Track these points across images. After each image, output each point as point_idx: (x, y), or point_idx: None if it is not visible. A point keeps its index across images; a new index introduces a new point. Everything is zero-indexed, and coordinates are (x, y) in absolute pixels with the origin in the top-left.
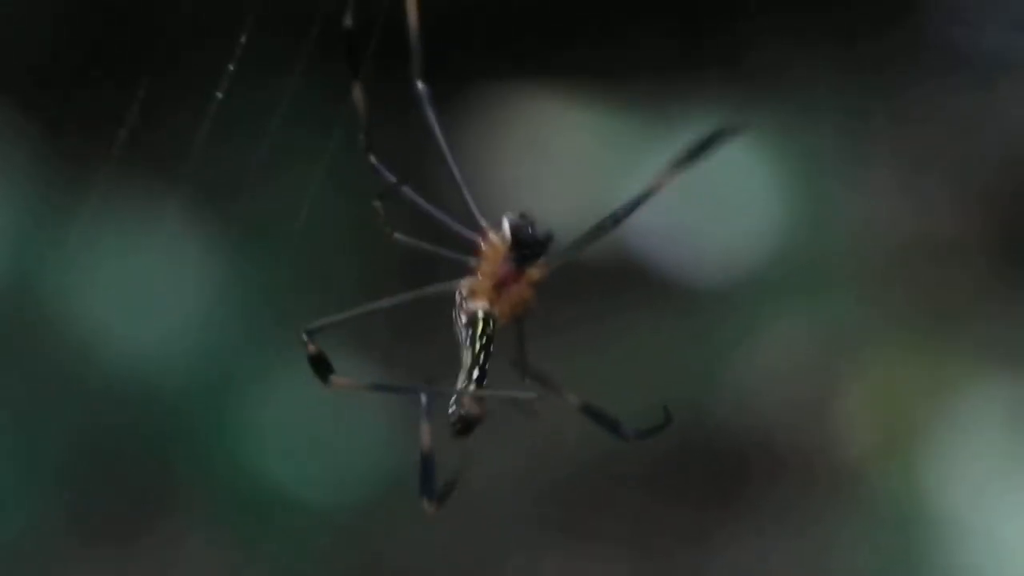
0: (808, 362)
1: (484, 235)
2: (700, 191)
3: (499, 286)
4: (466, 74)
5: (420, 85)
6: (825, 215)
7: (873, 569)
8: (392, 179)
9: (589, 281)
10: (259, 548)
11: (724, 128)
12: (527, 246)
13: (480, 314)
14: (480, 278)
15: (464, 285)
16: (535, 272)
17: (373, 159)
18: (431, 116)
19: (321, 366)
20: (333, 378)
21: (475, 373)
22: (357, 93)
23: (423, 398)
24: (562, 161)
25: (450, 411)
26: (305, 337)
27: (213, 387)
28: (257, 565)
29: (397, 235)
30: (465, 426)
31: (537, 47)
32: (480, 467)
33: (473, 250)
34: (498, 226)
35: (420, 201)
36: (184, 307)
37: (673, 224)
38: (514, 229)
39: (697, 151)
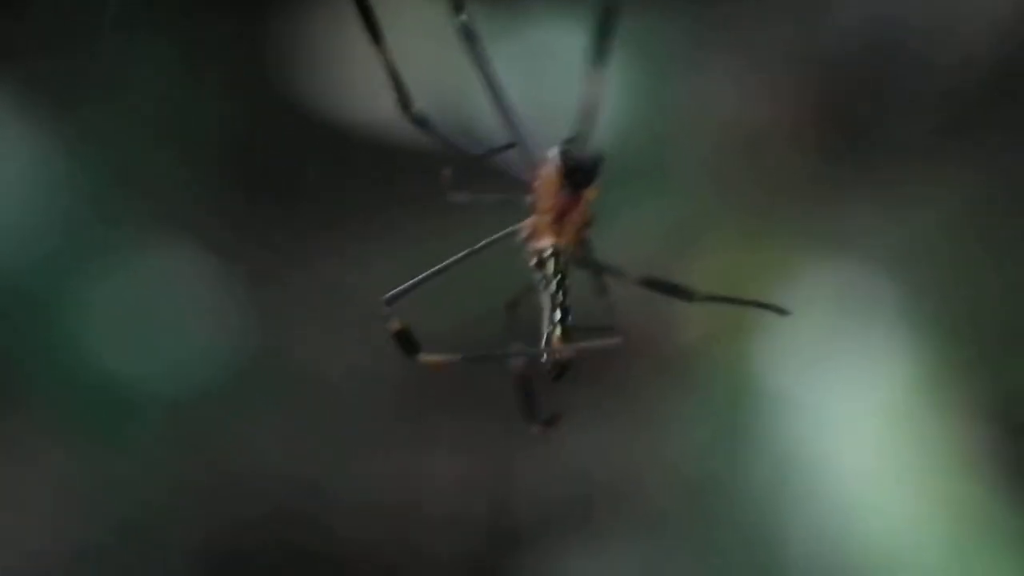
0: (649, 248)
1: (535, 170)
2: (537, 82)
3: (560, 217)
4: None
5: (463, 17)
6: (664, 105)
7: (707, 441)
8: (444, 134)
9: (418, 189)
10: (103, 445)
11: (606, 9)
12: (580, 172)
13: (548, 251)
14: (540, 215)
15: (526, 227)
16: (591, 192)
17: (417, 112)
18: (477, 53)
19: (406, 343)
20: (423, 356)
21: (557, 314)
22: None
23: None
24: (409, 58)
25: (543, 360)
26: (386, 310)
27: (52, 286)
28: (103, 461)
29: (456, 193)
30: (561, 371)
31: None
32: (333, 361)
33: (527, 188)
34: (546, 157)
35: (469, 146)
36: (17, 209)
37: (516, 113)
38: (565, 158)
39: (601, 44)
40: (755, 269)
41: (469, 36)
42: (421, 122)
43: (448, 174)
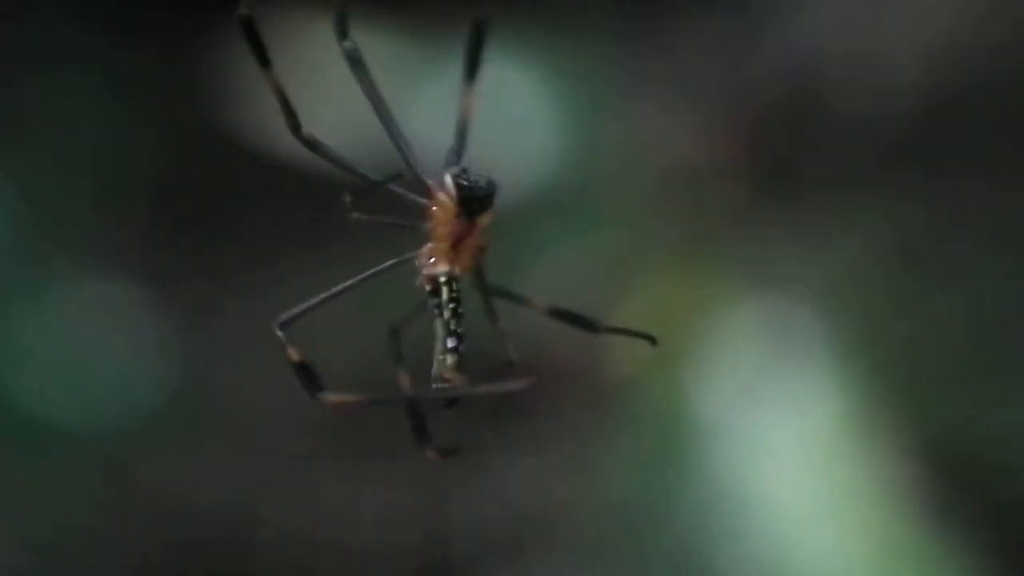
0: (580, 284)
1: (430, 196)
2: (484, 111)
3: (456, 244)
4: None
5: (348, 43)
6: (594, 140)
7: (639, 472)
8: (336, 156)
9: (372, 203)
10: (18, 478)
11: (476, 23)
12: (475, 200)
13: (443, 278)
14: (437, 241)
15: (422, 253)
16: (485, 218)
17: (306, 135)
18: (364, 76)
19: (308, 378)
20: (325, 396)
21: (450, 341)
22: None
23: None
24: (339, 87)
25: (433, 387)
26: (280, 334)
27: None
28: (17, 495)
29: (357, 215)
30: (452, 401)
31: None
32: (265, 392)
33: (422, 214)
34: (441, 185)
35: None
36: None
37: (444, 150)
38: (459, 185)
39: (473, 59)
40: (688, 303)
41: (355, 62)
42: (310, 144)
43: (349, 198)
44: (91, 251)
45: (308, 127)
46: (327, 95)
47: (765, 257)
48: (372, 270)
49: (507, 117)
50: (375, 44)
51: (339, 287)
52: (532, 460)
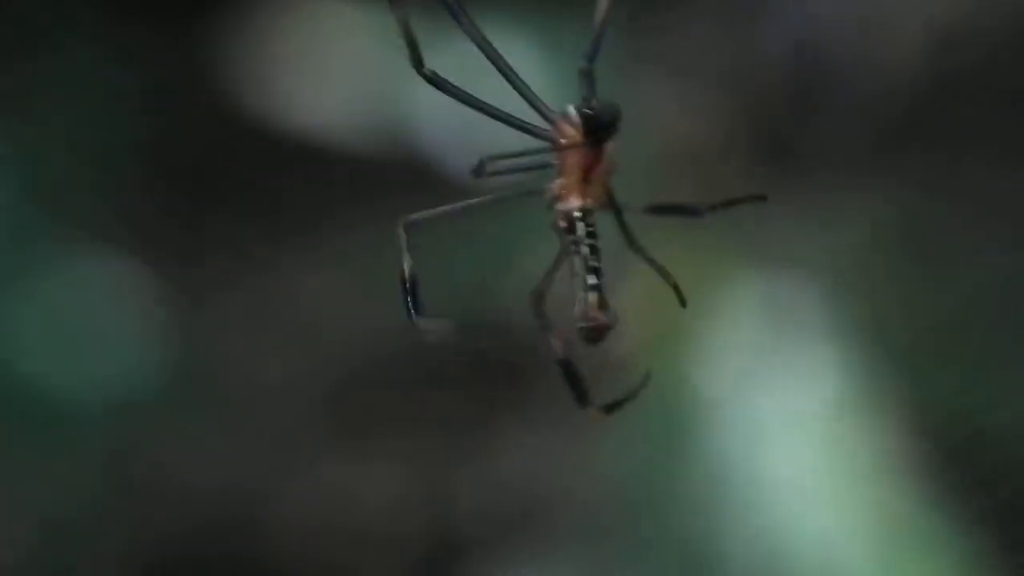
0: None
1: (556, 129)
2: (485, 87)
3: (586, 175)
4: None
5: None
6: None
7: (643, 455)
8: (462, 93)
9: (372, 180)
10: (22, 458)
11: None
12: (601, 126)
13: (577, 213)
14: (567, 176)
15: (552, 188)
16: (611, 144)
17: (429, 72)
18: (468, 24)
19: (412, 297)
20: (421, 320)
21: (591, 278)
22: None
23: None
24: (344, 63)
25: (577, 325)
26: (403, 234)
27: None
28: (22, 475)
29: (483, 168)
30: (598, 335)
31: None
32: (268, 374)
33: (551, 149)
34: (565, 116)
35: (487, 107)
36: None
37: (459, 121)
38: (583, 115)
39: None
40: (688, 282)
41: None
42: (434, 82)
43: (483, 162)
44: (92, 228)
45: (320, 95)
46: (334, 74)
47: (767, 236)
48: (495, 195)
49: (504, 97)
50: (382, 15)
51: (464, 203)
52: (533, 443)
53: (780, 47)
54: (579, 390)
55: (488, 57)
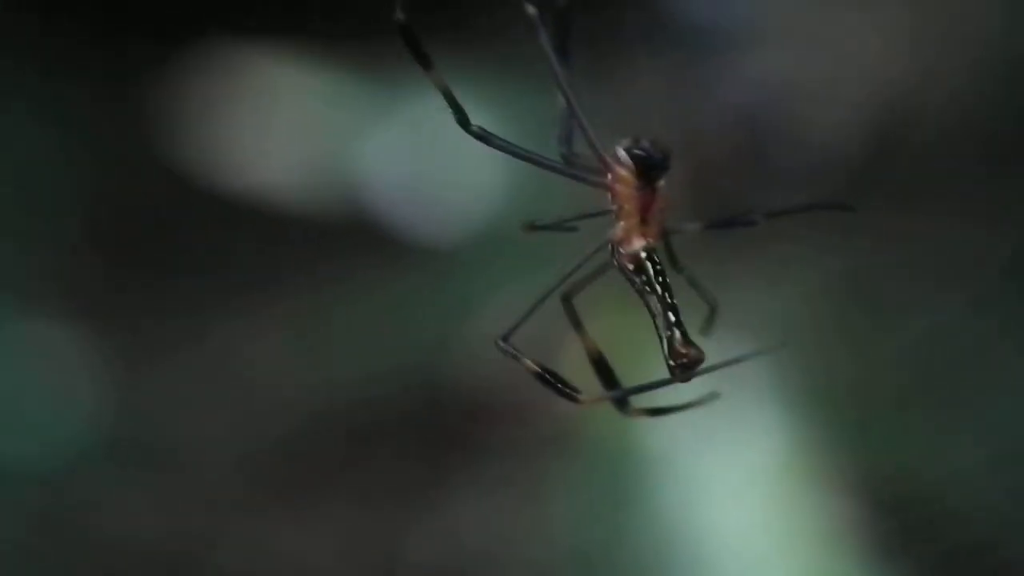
0: (534, 318)
1: (610, 174)
2: (431, 148)
3: (644, 215)
4: (187, 33)
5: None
6: (545, 176)
7: (588, 508)
8: (511, 146)
9: (319, 242)
10: None
11: (556, 12)
12: (653, 166)
13: (643, 254)
14: (626, 219)
15: (615, 235)
16: (663, 182)
17: (476, 128)
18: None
19: (558, 384)
20: (584, 398)
21: (671, 315)
22: (436, 76)
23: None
24: (289, 124)
25: (670, 364)
26: (504, 347)
27: None
28: None
29: (538, 223)
30: (689, 369)
31: (263, 7)
32: (187, 428)
33: (607, 194)
34: (617, 160)
35: (540, 158)
36: None
37: (404, 182)
38: (635, 156)
39: (561, 44)
40: (637, 340)
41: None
42: (482, 138)
43: (526, 225)
44: (28, 289)
45: (265, 156)
46: (279, 135)
47: (716, 294)
48: (575, 265)
49: (458, 151)
50: (331, 81)
51: (549, 290)
52: (484, 496)
53: (726, 110)
54: (622, 401)
55: (564, 96)
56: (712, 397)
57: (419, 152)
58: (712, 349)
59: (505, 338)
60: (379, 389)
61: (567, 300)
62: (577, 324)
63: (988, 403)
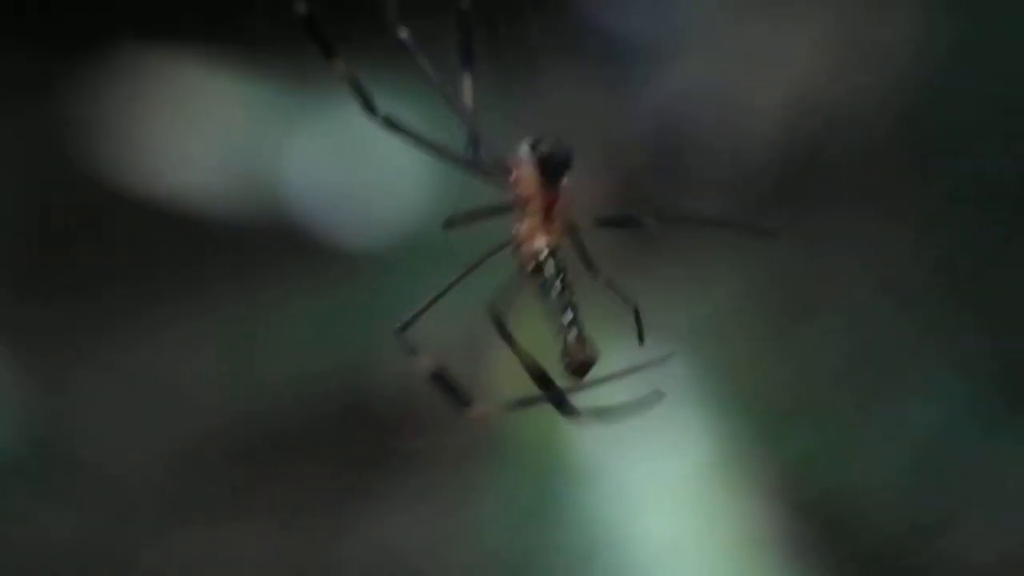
0: (461, 324)
1: (513, 170)
2: (357, 154)
3: (548, 213)
4: (106, 36)
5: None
6: (469, 187)
7: (516, 515)
8: (418, 137)
9: (245, 249)
10: None
11: (460, 13)
12: (556, 162)
13: (544, 252)
14: (529, 217)
15: (518, 232)
16: (566, 180)
17: (383, 116)
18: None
19: (449, 390)
20: (471, 409)
21: (567, 315)
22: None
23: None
24: (211, 130)
25: (562, 362)
26: (402, 340)
27: None
28: None
29: (454, 220)
30: (581, 370)
31: (184, 10)
32: (108, 440)
33: (509, 192)
34: (519, 159)
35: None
36: None
37: (330, 187)
38: (537, 154)
39: (465, 46)
40: (557, 348)
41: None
42: (390, 124)
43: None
44: None
45: (188, 163)
46: (201, 143)
47: (642, 299)
48: (477, 260)
49: (383, 163)
50: (253, 86)
51: (448, 284)
52: (410, 504)
53: (650, 118)
54: (560, 403)
55: (447, 98)
56: (657, 398)
57: (345, 157)
58: (636, 354)
59: (404, 328)
60: (306, 397)
61: (493, 309)
62: (504, 333)
63: (910, 405)
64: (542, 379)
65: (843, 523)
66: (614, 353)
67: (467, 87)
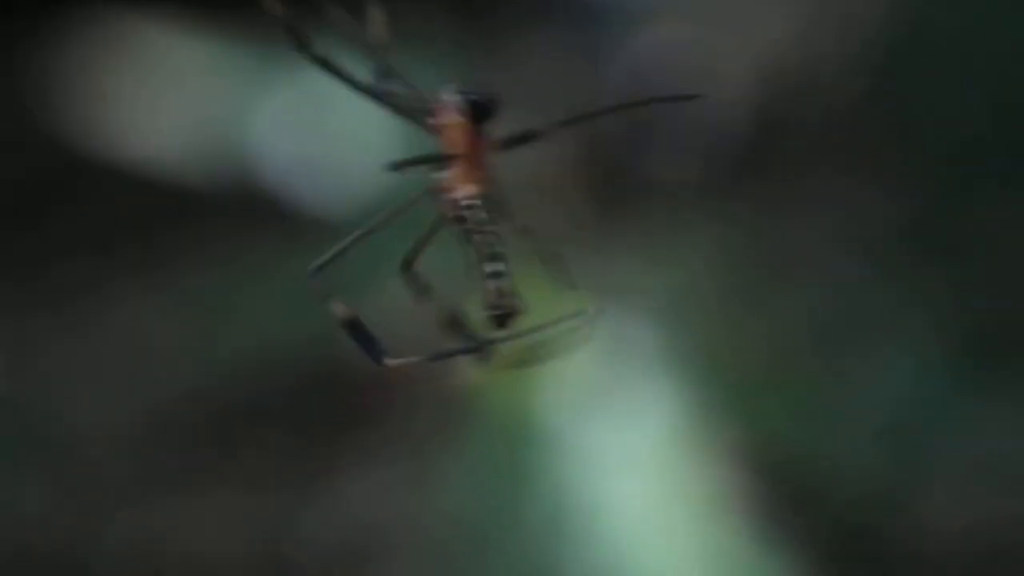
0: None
1: (440, 117)
2: (325, 121)
3: (475, 160)
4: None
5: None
6: (436, 152)
7: (486, 487)
8: (350, 77)
9: (213, 217)
10: None
11: None
12: (482, 107)
13: (466, 200)
14: (456, 162)
15: (445, 179)
16: (490, 127)
17: (317, 53)
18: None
19: (364, 339)
20: (387, 360)
21: (490, 265)
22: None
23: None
24: (174, 95)
25: (484, 312)
26: (315, 283)
27: None
28: None
29: (398, 164)
30: (503, 321)
31: None
32: (73, 412)
33: (437, 138)
34: (445, 103)
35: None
36: None
37: (297, 155)
38: (464, 99)
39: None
40: (531, 314)
41: (325, 66)
42: (324, 63)
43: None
44: None
45: (149, 124)
46: (166, 110)
47: (604, 271)
48: (395, 207)
49: (351, 129)
50: (219, 50)
51: (364, 229)
52: (378, 471)
53: (619, 83)
54: (480, 353)
55: (365, 47)
56: (579, 341)
57: (313, 124)
58: (605, 322)
59: (317, 270)
60: (274, 366)
61: (407, 267)
62: (418, 285)
63: (882, 369)
64: (457, 327)
65: (813, 489)
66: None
67: (377, 18)
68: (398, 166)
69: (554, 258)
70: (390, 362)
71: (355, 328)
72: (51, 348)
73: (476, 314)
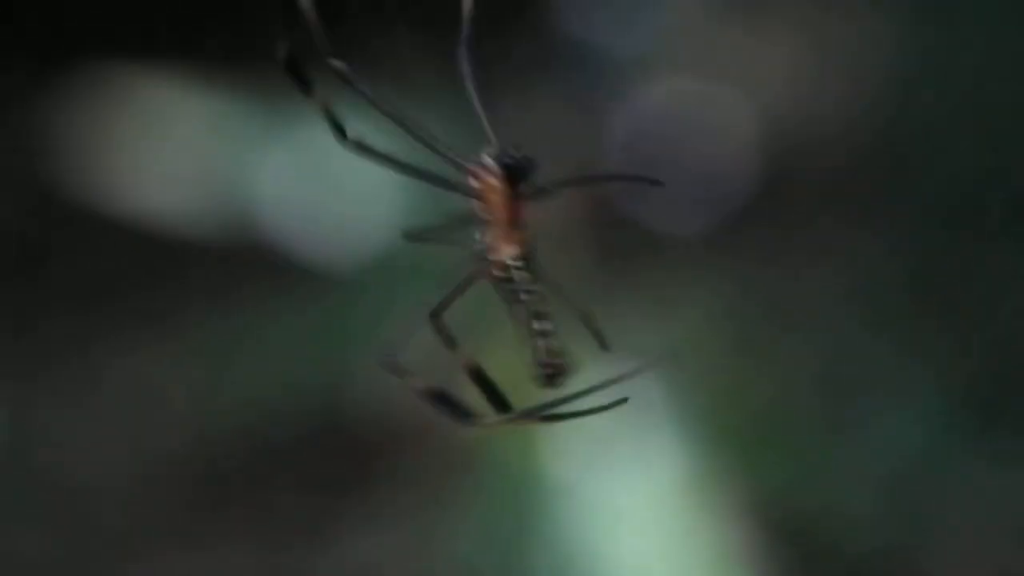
0: (435, 345)
1: (478, 182)
2: (327, 174)
3: (513, 222)
4: (76, 53)
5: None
6: (442, 202)
7: (495, 540)
8: (386, 158)
9: (218, 269)
10: None
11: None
12: (521, 171)
13: (512, 260)
14: (495, 226)
15: (486, 243)
16: (528, 189)
17: (353, 140)
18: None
19: (450, 406)
20: (477, 422)
21: (539, 324)
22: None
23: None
24: (179, 148)
25: (540, 372)
26: (389, 364)
27: None
28: None
29: (413, 232)
30: (554, 380)
31: (154, 29)
32: (79, 462)
33: (476, 202)
34: (483, 168)
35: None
36: None
37: (301, 207)
38: (502, 164)
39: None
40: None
41: (347, 79)
42: (359, 147)
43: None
44: None
45: (153, 177)
46: (170, 163)
47: (613, 321)
48: (457, 285)
49: (355, 180)
50: (223, 104)
51: (447, 298)
52: (385, 523)
53: (622, 137)
54: (494, 397)
55: (398, 121)
56: (619, 403)
57: (316, 175)
58: (611, 375)
59: (392, 355)
60: (281, 416)
61: (436, 317)
62: (450, 341)
63: (885, 423)
64: (489, 389)
65: (817, 544)
66: (594, 369)
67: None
68: (416, 237)
69: (586, 317)
70: (481, 424)
71: (442, 398)
72: (53, 400)
73: (525, 370)
